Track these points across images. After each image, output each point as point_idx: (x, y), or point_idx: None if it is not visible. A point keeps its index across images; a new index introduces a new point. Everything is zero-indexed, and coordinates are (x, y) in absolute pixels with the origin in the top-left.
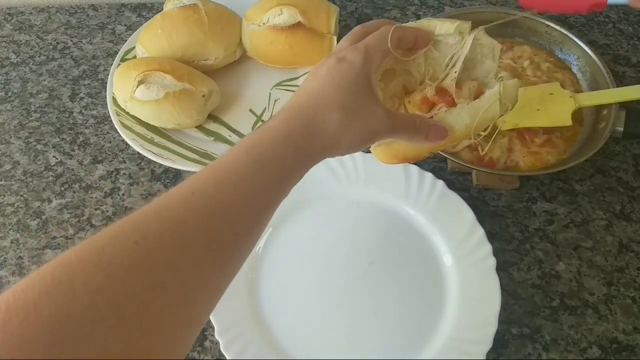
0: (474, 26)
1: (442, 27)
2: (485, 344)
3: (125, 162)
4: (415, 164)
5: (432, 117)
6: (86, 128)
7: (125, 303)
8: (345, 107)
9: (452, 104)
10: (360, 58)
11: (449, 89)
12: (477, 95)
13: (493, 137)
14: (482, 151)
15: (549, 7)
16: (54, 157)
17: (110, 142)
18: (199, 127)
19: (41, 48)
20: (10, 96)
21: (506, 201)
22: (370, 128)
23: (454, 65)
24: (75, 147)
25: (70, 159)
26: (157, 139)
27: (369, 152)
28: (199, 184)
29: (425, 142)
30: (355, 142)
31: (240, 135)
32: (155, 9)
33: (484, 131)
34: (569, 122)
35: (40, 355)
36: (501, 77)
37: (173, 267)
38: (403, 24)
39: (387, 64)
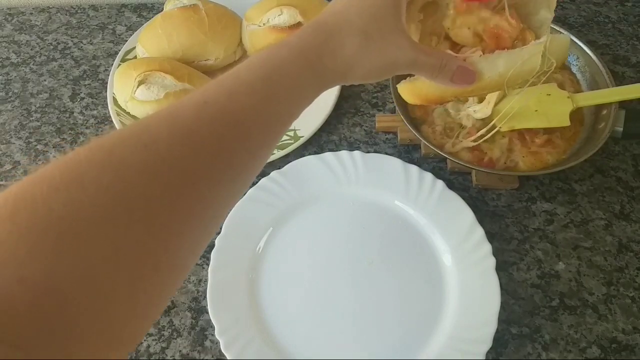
0: None
1: None
2: (485, 343)
3: None
4: (415, 163)
5: (464, 59)
6: (87, 128)
7: (134, 205)
8: (365, 33)
9: (491, 51)
10: None
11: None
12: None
13: (487, 130)
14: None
15: None
16: (55, 157)
17: None
18: None
19: (42, 48)
20: (10, 96)
21: (506, 201)
22: (389, 58)
23: (502, 7)
24: (76, 147)
25: None
26: None
27: (369, 151)
28: (211, 93)
29: (450, 83)
30: (371, 70)
31: None
32: (156, 9)
33: (519, 87)
34: (567, 123)
35: (49, 246)
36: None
37: (183, 175)
38: None
39: None
